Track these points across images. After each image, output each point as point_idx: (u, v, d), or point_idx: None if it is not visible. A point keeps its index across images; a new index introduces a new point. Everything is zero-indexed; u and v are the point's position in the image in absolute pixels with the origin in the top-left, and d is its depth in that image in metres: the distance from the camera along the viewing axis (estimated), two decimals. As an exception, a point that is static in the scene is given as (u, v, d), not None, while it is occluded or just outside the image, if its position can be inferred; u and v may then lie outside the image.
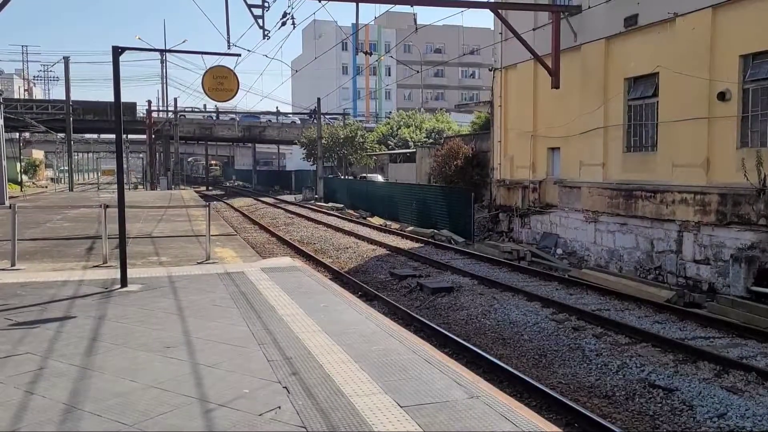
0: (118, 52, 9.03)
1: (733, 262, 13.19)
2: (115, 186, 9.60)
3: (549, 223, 20.62)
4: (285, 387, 5.09)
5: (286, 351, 6.05)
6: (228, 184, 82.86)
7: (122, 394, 4.94)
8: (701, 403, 7.47)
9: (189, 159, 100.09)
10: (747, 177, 13.14)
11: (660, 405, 7.57)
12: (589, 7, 18.15)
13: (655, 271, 15.77)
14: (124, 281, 9.13)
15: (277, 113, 67.42)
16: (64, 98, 47.96)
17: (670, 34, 15.61)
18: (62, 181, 71.86)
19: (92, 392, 4.98)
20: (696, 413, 7.28)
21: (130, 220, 17.23)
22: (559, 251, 19.64)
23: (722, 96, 14.10)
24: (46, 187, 63.68)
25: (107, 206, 11.53)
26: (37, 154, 79.41)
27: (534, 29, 20.75)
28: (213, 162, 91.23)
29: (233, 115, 64.27)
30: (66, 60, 46.84)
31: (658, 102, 16.26)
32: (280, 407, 4.67)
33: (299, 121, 66.35)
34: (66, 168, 56.40)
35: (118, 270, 9.30)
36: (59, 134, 59.08)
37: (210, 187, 68.38)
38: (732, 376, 8.33)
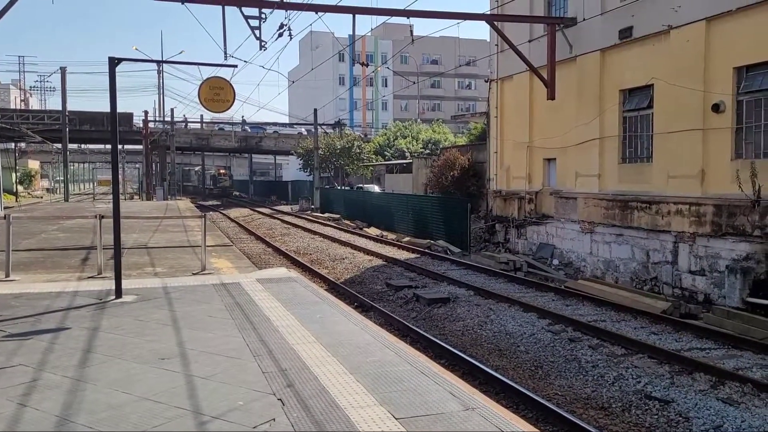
0: (114, 62, 9.05)
1: (729, 273, 13.22)
2: (111, 196, 9.58)
3: (545, 233, 20.65)
4: (280, 399, 5.06)
5: (281, 362, 6.02)
6: (236, 194, 77.26)
7: (115, 406, 4.91)
8: (697, 415, 7.46)
9: (196, 168, 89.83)
10: (741, 188, 13.19)
11: (656, 417, 7.56)
12: (584, 19, 18.27)
13: (651, 282, 15.79)
14: (118, 292, 9.10)
15: (243, 123, 66.68)
16: (60, 108, 47.96)
17: (665, 46, 15.72)
18: (58, 192, 71.70)
19: (85, 404, 4.94)
20: (692, 425, 7.27)
21: (126, 230, 17.20)
22: (556, 262, 19.65)
23: (716, 108, 14.18)
24: (42, 197, 63.51)
25: (103, 217, 11.50)
26: (33, 165, 79.28)
27: (530, 41, 20.87)
28: (222, 171, 79.57)
29: (227, 126, 64.35)
30: (63, 70, 46.90)
31: (653, 113, 16.34)
32: (274, 419, 4.65)
33: (305, 132, 66.14)
34: (62, 178, 56.33)
35: (113, 281, 9.26)
36: (55, 144, 59.04)
37: (206, 198, 68.05)
38: (728, 387, 8.33)
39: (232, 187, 78.28)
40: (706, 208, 14.31)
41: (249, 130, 66.29)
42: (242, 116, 67.87)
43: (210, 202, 59.97)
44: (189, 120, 66.29)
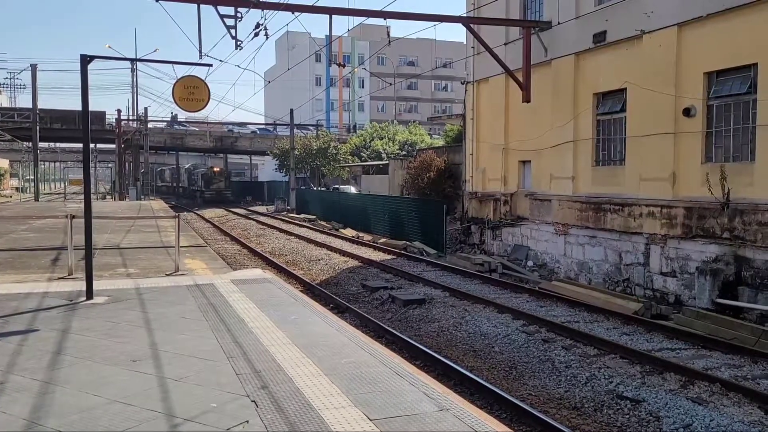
0: (86, 60, 8.91)
1: (699, 275, 13.45)
2: (83, 196, 9.43)
3: (520, 235, 20.81)
4: (253, 401, 5.03)
5: (256, 364, 5.98)
6: (231, 198, 61.38)
7: (86, 409, 4.83)
8: (667, 414, 7.58)
9: (187, 165, 73.49)
10: (711, 191, 13.44)
11: (627, 416, 7.66)
12: (559, 23, 18.47)
13: (624, 283, 16.00)
14: (89, 293, 8.96)
15: (174, 120, 63.07)
16: (30, 106, 47.04)
17: (638, 51, 15.95)
18: (28, 191, 70.30)
19: (55, 407, 4.86)
20: (662, 424, 7.38)
21: (98, 230, 16.94)
22: (530, 263, 19.82)
23: (687, 112, 14.44)
24: (11, 196, 62.16)
25: (74, 216, 11.32)
26: (2, 163, 77.53)
27: (506, 44, 21.04)
28: (216, 169, 63.19)
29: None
30: (33, 67, 45.97)
31: (626, 117, 16.57)
32: (248, 421, 4.61)
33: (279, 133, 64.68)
34: (32, 177, 55.26)
35: (84, 282, 9.11)
36: (25, 143, 57.91)
37: (179, 199, 66.28)
38: (697, 387, 8.48)
39: (228, 189, 62.29)
40: (677, 211, 14.55)
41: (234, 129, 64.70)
42: (176, 114, 60.04)
43: (183, 202, 59.27)
44: (163, 119, 65.32)
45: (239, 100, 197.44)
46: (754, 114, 13.22)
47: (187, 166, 73.04)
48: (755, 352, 10.05)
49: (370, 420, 4.66)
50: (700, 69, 14.31)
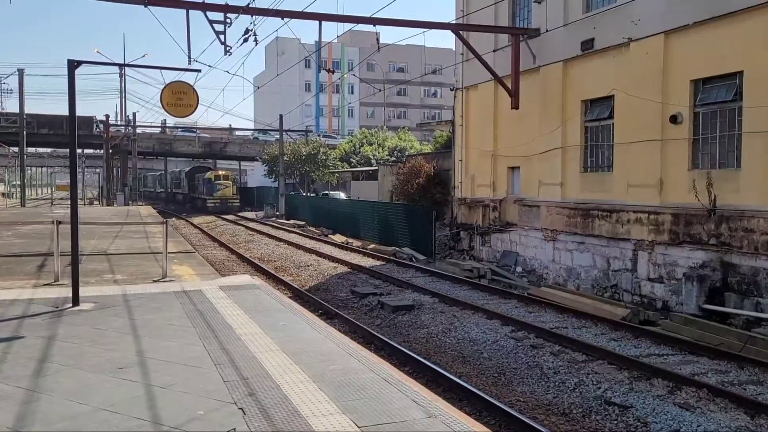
0: (74, 65, 8.86)
1: (686, 281, 13.54)
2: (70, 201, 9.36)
3: (509, 241, 20.86)
4: (241, 408, 5.00)
5: (243, 371, 5.95)
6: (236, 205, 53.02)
7: (71, 417, 4.78)
8: (655, 420, 7.61)
9: (187, 169, 65.17)
10: (698, 198, 13.54)
11: (615, 422, 7.68)
12: (548, 31, 18.58)
13: (612, 289, 16.07)
14: (76, 300, 8.88)
15: (130, 122, 59.07)
16: (17, 111, 46.67)
17: (625, 58, 16.08)
18: (14, 196, 69.71)
19: (39, 415, 4.81)
20: (650, 430, 7.41)
21: (85, 236, 16.81)
22: (519, 269, 19.87)
23: (674, 119, 14.55)
24: (-3, 201, 61.64)
25: (60, 222, 11.22)
26: (-11, 168, 76.92)
27: (494, 51, 21.13)
28: (221, 173, 54.69)
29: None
30: (20, 72, 45.61)
31: (613, 124, 16.68)
32: (235, 429, 4.59)
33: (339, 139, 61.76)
34: (19, 182, 54.78)
35: (70, 288, 9.03)
36: (12, 148, 57.47)
37: (170, 204, 65.56)
38: (684, 392, 8.52)
39: (236, 196, 53.98)
40: (664, 217, 14.64)
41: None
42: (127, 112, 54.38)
43: (173, 208, 58.91)
44: (152, 125, 64.80)
45: (228, 105, 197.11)
46: (739, 121, 13.34)
47: (187, 170, 64.50)
48: (742, 357, 10.12)
49: (358, 427, 4.64)
50: (686, 76, 14.44)
